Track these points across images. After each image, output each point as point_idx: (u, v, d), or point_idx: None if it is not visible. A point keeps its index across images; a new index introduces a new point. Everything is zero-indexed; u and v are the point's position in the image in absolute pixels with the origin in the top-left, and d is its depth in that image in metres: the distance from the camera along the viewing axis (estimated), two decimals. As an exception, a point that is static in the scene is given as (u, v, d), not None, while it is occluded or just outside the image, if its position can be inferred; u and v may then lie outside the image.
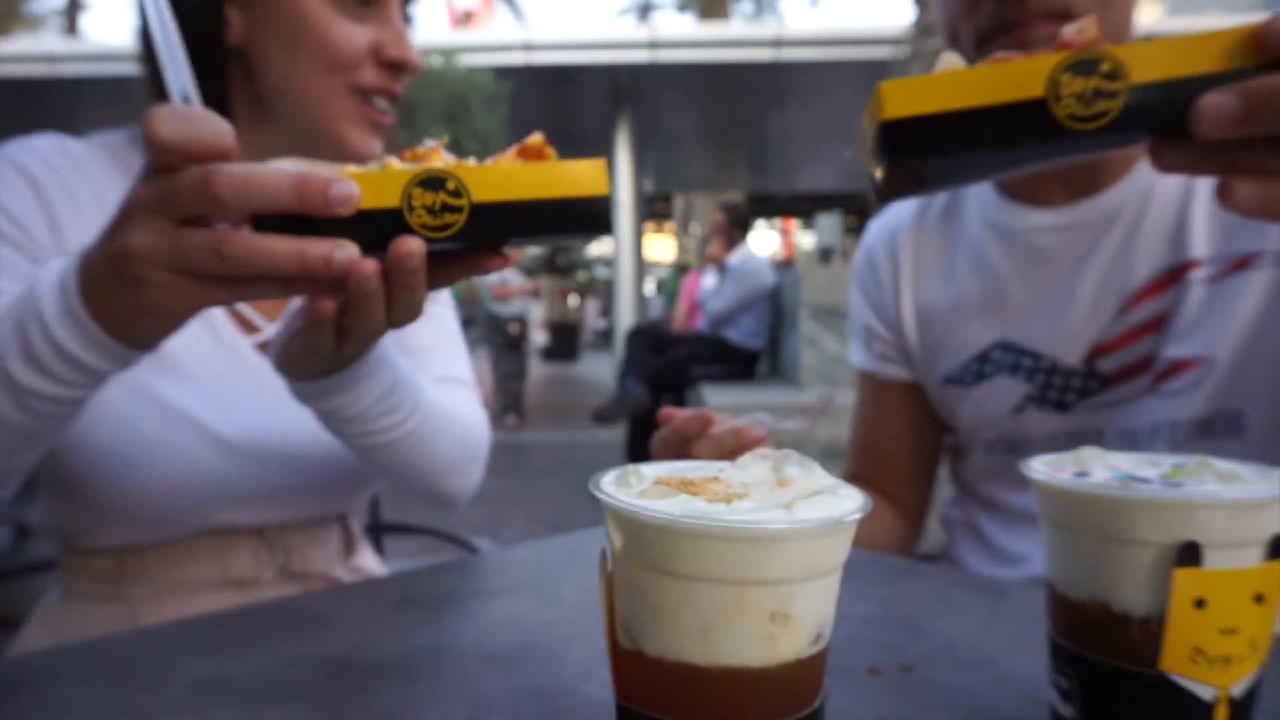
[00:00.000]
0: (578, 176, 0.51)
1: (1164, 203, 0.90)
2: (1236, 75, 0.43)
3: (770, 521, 0.33)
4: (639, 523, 0.34)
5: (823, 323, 5.01)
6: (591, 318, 22.31)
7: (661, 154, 13.94)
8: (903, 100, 0.47)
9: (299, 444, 0.86)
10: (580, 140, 11.96)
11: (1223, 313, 0.86)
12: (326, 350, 0.59)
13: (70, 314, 0.53)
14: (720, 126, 12.34)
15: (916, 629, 0.64)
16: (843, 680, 0.55)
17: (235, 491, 0.84)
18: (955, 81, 0.46)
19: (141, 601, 0.84)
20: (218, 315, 0.86)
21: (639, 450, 5.38)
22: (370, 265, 0.49)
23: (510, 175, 0.50)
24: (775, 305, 5.61)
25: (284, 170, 0.47)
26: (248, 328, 0.89)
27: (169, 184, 0.47)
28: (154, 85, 0.84)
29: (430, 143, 0.53)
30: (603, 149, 10.71)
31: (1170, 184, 0.91)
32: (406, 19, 0.88)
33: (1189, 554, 0.40)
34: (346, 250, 0.48)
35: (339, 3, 0.80)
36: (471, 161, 0.52)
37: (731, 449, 0.73)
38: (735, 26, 19.26)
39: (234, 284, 0.50)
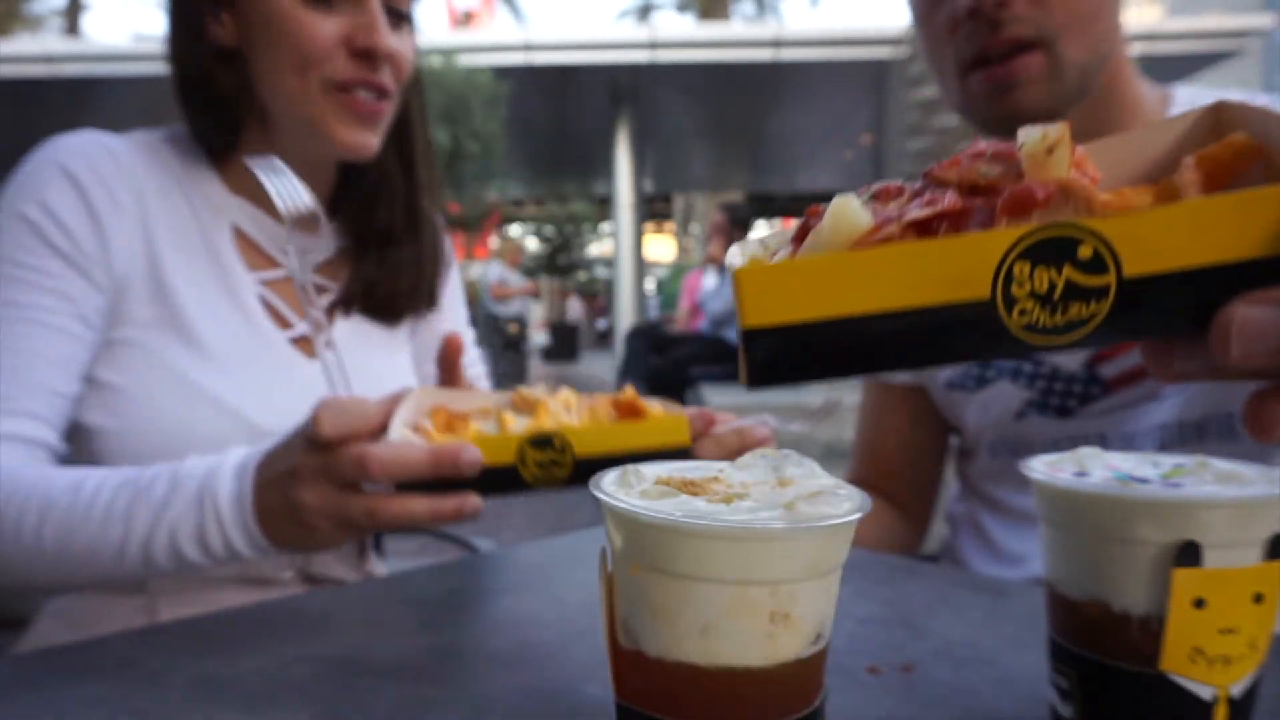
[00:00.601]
0: (663, 430, 0.63)
1: None
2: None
3: (770, 521, 0.33)
4: (639, 523, 0.34)
5: (823, 323, 5.01)
6: (574, 315, 21.48)
7: (661, 154, 13.94)
8: (771, 299, 0.30)
9: None
10: (580, 140, 11.96)
11: None
12: None
13: (245, 529, 0.66)
14: (720, 126, 12.34)
15: (916, 629, 0.64)
16: (843, 680, 0.55)
17: None
18: (849, 270, 0.30)
19: (163, 595, 0.84)
20: (256, 311, 0.87)
21: (639, 450, 5.36)
22: (481, 506, 0.63)
23: (608, 432, 0.62)
24: (775, 305, 5.61)
25: (421, 448, 0.60)
26: (281, 322, 0.90)
27: (332, 461, 0.61)
28: (179, 84, 0.85)
29: (540, 392, 0.68)
30: (603, 149, 10.76)
31: None
32: (398, 14, 0.86)
33: (1188, 554, 0.40)
34: (471, 503, 0.62)
35: None
36: (573, 418, 0.65)
37: (735, 449, 0.73)
38: (735, 27, 19.27)
39: (381, 529, 0.64)
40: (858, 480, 1.13)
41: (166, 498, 0.67)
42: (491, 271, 9.69)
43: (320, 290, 0.93)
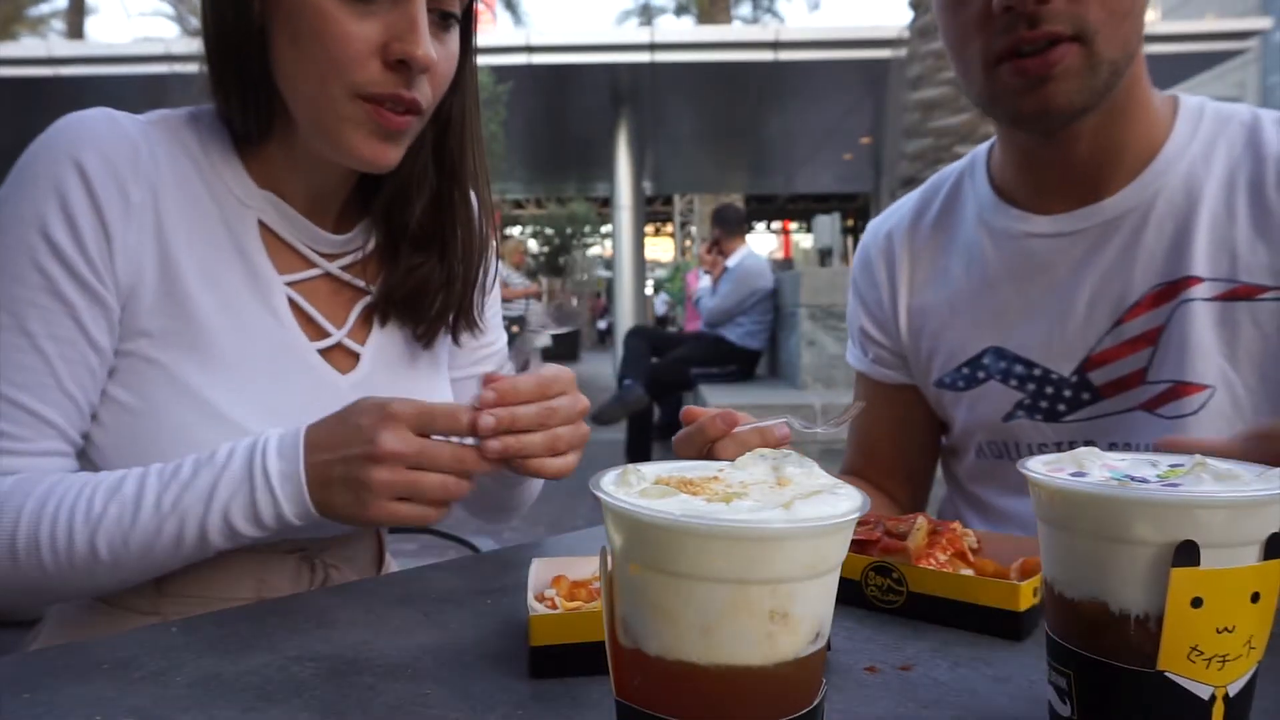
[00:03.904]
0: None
1: (1167, 213, 0.89)
2: None
3: (770, 521, 0.33)
4: (639, 522, 0.34)
5: (821, 323, 5.02)
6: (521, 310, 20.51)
7: (661, 155, 13.94)
8: None
9: None
10: (580, 141, 11.96)
11: (1228, 340, 0.85)
12: None
13: (298, 501, 0.71)
14: (720, 128, 12.33)
15: (916, 628, 0.65)
16: (841, 679, 0.55)
17: None
18: None
19: (177, 617, 0.79)
20: (286, 317, 0.82)
21: (639, 450, 5.38)
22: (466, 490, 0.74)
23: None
24: (774, 305, 5.62)
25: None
26: (313, 330, 0.84)
27: (426, 449, 0.70)
28: (210, 59, 0.78)
29: None
30: (603, 150, 10.74)
31: (1174, 194, 0.89)
32: (444, 14, 0.77)
33: (1186, 553, 0.40)
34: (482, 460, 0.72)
35: None
36: None
37: (755, 449, 0.73)
38: (734, 28, 19.28)
39: (438, 506, 0.73)
40: (851, 471, 1.13)
41: (214, 483, 0.71)
42: (492, 272, 9.66)
43: (356, 291, 0.88)
